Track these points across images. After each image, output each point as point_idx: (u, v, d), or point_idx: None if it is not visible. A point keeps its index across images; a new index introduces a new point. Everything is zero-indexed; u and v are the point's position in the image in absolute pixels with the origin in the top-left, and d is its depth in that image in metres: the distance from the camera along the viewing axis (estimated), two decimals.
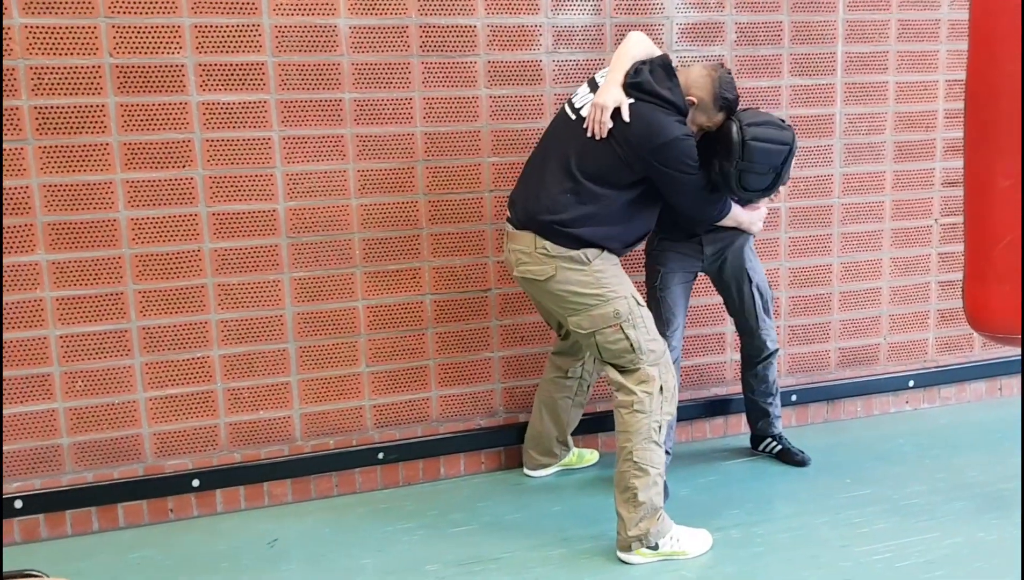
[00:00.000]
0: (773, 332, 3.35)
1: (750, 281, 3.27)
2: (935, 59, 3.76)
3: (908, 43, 3.72)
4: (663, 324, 3.15)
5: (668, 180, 2.74)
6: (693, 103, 2.78)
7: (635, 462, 2.72)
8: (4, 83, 2.79)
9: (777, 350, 3.38)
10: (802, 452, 3.45)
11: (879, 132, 3.75)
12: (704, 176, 2.79)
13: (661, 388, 2.77)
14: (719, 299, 3.40)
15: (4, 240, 2.87)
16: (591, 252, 2.76)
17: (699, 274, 3.31)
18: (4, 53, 2.77)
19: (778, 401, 3.48)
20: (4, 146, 2.82)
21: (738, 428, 3.69)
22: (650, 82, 2.71)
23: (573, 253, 2.75)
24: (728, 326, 3.61)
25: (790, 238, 3.71)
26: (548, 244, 2.75)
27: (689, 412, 3.61)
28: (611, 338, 2.76)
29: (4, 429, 2.94)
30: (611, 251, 2.80)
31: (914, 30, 3.72)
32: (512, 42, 3.23)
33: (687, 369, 3.61)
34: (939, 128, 3.82)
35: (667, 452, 3.18)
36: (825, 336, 3.81)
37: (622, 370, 2.79)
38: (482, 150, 3.26)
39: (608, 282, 2.77)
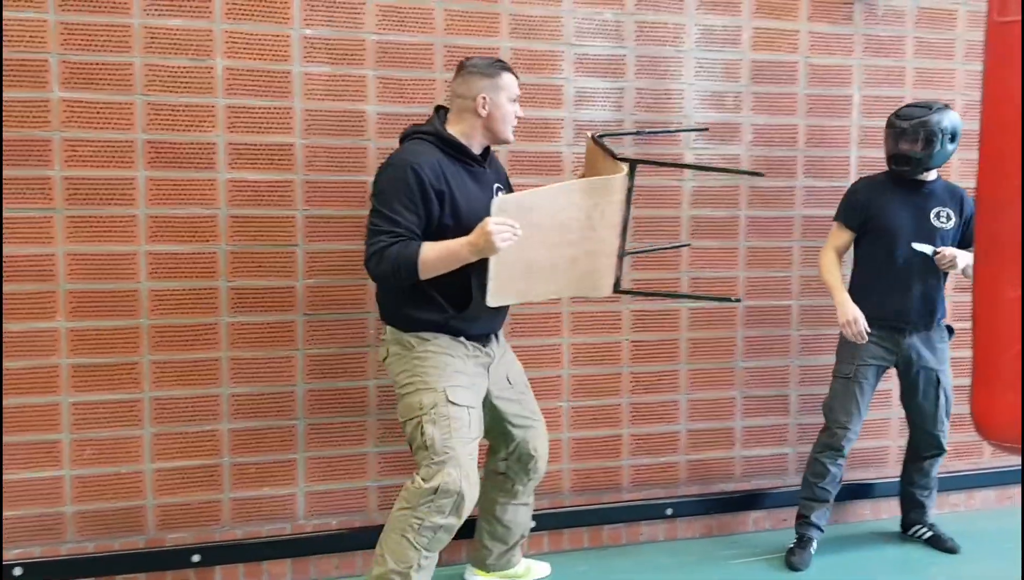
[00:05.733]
0: (947, 433, 3.48)
1: (938, 383, 3.40)
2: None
3: None
4: (846, 414, 3.35)
5: None
6: (485, 98, 2.67)
7: (381, 547, 2.67)
8: (41, 154, 2.87)
9: (945, 451, 3.51)
10: (952, 540, 3.53)
11: None
12: (379, 215, 2.57)
13: (436, 490, 2.59)
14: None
15: (26, 307, 2.91)
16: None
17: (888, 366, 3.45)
18: (41, 124, 2.86)
19: (935, 495, 3.61)
20: (33, 215, 2.88)
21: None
22: (414, 127, 2.74)
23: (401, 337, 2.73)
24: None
25: (801, 336, 3.73)
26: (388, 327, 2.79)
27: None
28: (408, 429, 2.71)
29: (9, 494, 2.93)
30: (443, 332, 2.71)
31: None
32: (534, 133, 3.31)
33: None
34: None
35: (822, 529, 3.45)
36: None
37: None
38: None
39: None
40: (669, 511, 3.57)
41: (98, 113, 2.91)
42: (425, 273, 2.53)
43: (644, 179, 3.40)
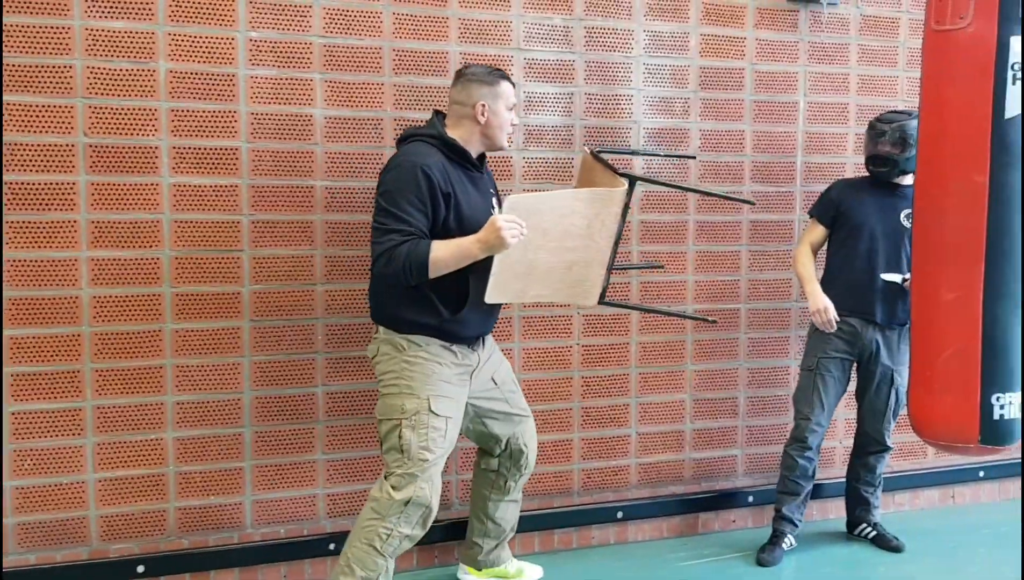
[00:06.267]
0: (891, 432, 3.56)
1: (892, 382, 3.47)
2: None
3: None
4: (808, 405, 3.44)
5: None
6: (484, 105, 2.73)
7: (348, 557, 2.71)
8: None
9: (889, 449, 3.58)
10: (897, 538, 3.58)
11: None
12: (388, 214, 2.58)
13: (408, 502, 2.66)
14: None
15: None
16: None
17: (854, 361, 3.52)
18: None
19: (880, 492, 3.66)
20: None
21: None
22: (414, 129, 2.79)
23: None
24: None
25: (749, 338, 3.77)
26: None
27: None
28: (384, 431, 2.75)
29: None
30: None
31: None
32: None
33: None
34: None
35: (796, 523, 3.52)
36: (783, 438, 3.82)
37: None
38: None
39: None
40: (620, 514, 3.59)
41: (38, 116, 2.86)
42: (435, 271, 2.55)
43: None
